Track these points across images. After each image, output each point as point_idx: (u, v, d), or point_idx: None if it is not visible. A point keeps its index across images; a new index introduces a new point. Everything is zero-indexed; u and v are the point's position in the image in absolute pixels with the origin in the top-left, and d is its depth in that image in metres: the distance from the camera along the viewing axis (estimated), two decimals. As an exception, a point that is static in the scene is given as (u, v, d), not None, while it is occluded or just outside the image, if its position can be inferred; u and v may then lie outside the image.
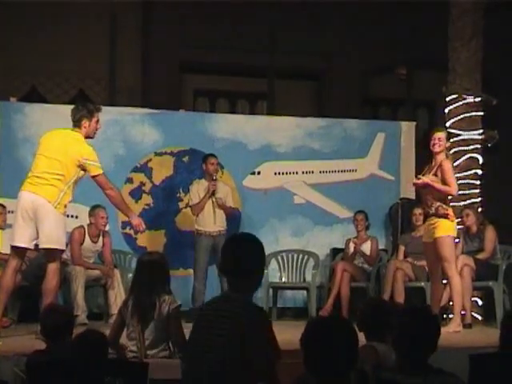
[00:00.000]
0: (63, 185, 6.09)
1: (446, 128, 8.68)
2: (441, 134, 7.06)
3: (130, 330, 4.87)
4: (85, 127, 6.26)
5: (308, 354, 2.95)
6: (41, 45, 10.33)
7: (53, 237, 6.07)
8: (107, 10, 10.54)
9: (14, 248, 6.19)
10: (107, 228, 8.10)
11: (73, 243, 7.85)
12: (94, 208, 7.93)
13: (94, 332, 3.75)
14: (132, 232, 8.76)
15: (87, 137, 6.31)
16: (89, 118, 6.27)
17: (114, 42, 10.48)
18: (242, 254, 3.48)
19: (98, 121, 6.36)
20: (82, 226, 7.98)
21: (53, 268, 6.12)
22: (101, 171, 6.24)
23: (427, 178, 6.89)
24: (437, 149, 6.99)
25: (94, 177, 6.22)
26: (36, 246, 6.39)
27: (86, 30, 10.51)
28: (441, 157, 6.97)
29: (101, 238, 8.01)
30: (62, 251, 6.30)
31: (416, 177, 7.23)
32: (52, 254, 6.15)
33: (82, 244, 7.89)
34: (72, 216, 8.38)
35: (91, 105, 6.48)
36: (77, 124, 6.27)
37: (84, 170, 6.19)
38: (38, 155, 6.25)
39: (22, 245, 6.14)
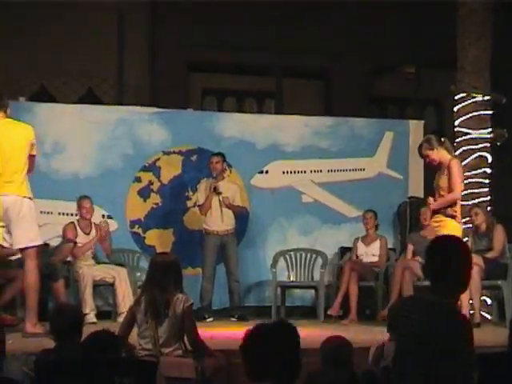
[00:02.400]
0: (25, 174, 6.10)
1: (454, 126, 8.68)
2: (424, 153, 6.96)
3: (142, 328, 4.88)
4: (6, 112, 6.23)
5: (246, 362, 2.88)
6: (49, 44, 10.34)
7: (28, 236, 6.08)
8: (115, 9, 10.55)
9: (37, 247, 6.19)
10: (116, 226, 8.12)
11: (67, 239, 7.91)
12: (79, 199, 8.03)
13: (105, 332, 3.75)
14: (140, 231, 8.78)
15: None
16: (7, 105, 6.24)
17: (122, 40, 10.48)
18: (451, 255, 3.24)
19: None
20: (71, 222, 8.05)
21: (30, 265, 6.10)
22: (35, 153, 6.24)
23: (432, 203, 6.85)
24: (434, 164, 6.96)
25: (31, 155, 6.17)
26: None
27: (95, 30, 10.52)
28: (446, 157, 6.91)
29: (93, 229, 8.04)
30: (37, 246, 6.23)
31: (427, 199, 7.15)
32: (28, 251, 6.13)
33: (76, 238, 7.95)
34: (73, 214, 8.37)
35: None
36: (4, 109, 6.19)
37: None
38: None
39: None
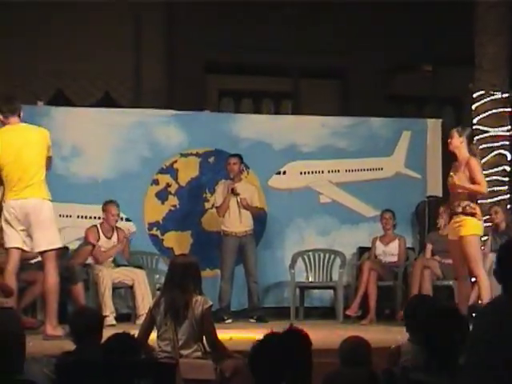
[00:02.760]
0: (43, 175, 6.16)
1: (473, 124, 8.62)
2: (451, 132, 6.95)
3: (162, 330, 4.87)
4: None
5: (254, 373, 2.84)
6: (66, 48, 10.38)
7: (46, 240, 6.12)
8: (131, 10, 10.58)
9: (10, 250, 6.18)
10: (134, 229, 8.14)
11: (89, 242, 7.94)
12: (106, 204, 8.03)
13: (126, 335, 3.76)
14: (158, 233, 8.80)
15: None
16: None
17: (138, 43, 10.52)
18: None
19: None
20: (94, 225, 8.06)
21: (50, 267, 6.14)
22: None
23: (457, 180, 6.79)
24: (450, 147, 6.91)
25: (49, 158, 6.25)
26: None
27: (111, 32, 10.56)
28: (463, 154, 6.86)
29: (115, 233, 8.05)
30: (57, 249, 6.27)
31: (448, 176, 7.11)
32: (48, 254, 6.17)
33: (97, 241, 7.97)
34: (99, 218, 8.42)
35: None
36: (18, 113, 6.21)
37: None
38: (8, 161, 6.11)
39: (17, 246, 6.19)
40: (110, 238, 8.05)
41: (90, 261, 8.00)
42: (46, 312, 6.19)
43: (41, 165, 6.13)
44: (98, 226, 8.06)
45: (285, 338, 2.84)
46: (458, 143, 6.86)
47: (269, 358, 2.78)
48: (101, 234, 8.02)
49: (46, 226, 6.08)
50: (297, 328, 2.89)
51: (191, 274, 4.95)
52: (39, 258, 6.68)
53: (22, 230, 6.13)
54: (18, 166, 6.11)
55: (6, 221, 6.14)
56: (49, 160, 6.25)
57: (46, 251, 6.15)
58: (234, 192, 8.31)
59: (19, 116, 6.22)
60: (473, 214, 6.81)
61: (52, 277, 6.12)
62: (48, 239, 6.10)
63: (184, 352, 4.81)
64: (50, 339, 5.81)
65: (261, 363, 2.79)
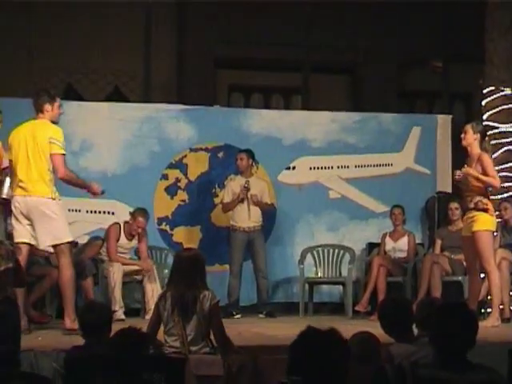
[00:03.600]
0: (47, 173, 6.13)
1: (483, 120, 8.59)
2: (466, 127, 6.95)
3: (169, 325, 4.82)
4: (47, 111, 6.24)
5: (293, 363, 2.84)
6: (76, 43, 10.41)
7: (51, 235, 6.10)
8: (142, 6, 10.59)
9: (17, 245, 6.15)
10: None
11: (109, 240, 7.91)
12: (136, 210, 7.96)
13: (134, 330, 3.76)
14: (168, 228, 8.81)
15: (52, 121, 6.29)
16: (50, 102, 6.26)
17: (148, 38, 10.52)
18: None
19: (60, 105, 6.35)
20: (117, 223, 8.03)
21: (63, 263, 6.13)
22: (61, 151, 6.17)
23: (469, 169, 6.80)
24: (463, 143, 6.91)
25: (52, 154, 6.16)
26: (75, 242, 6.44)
27: (121, 27, 10.57)
28: (475, 150, 6.86)
29: (136, 237, 8.04)
30: (69, 243, 6.26)
31: (454, 171, 7.12)
32: (59, 249, 6.17)
33: (117, 241, 7.94)
34: (109, 212, 8.46)
35: (52, 90, 6.48)
36: (40, 109, 6.24)
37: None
38: (15, 158, 6.20)
39: (24, 240, 6.16)
40: (130, 240, 8.03)
41: (101, 255, 8.01)
42: (63, 306, 6.20)
43: (46, 163, 6.12)
44: (122, 225, 8.00)
45: (326, 337, 2.83)
46: (472, 140, 6.87)
47: (310, 352, 2.77)
48: (122, 233, 7.99)
49: (49, 223, 6.07)
50: (336, 331, 2.89)
51: (198, 268, 4.90)
52: (50, 251, 6.73)
53: (29, 225, 6.14)
54: (23, 162, 6.14)
55: (14, 216, 6.18)
56: (53, 158, 6.16)
57: (58, 246, 6.16)
58: (246, 188, 8.31)
59: (41, 111, 6.24)
60: (485, 210, 6.80)
61: (67, 271, 6.13)
62: (53, 235, 6.10)
63: (193, 348, 4.77)
64: (70, 333, 5.82)
65: (304, 352, 2.78)
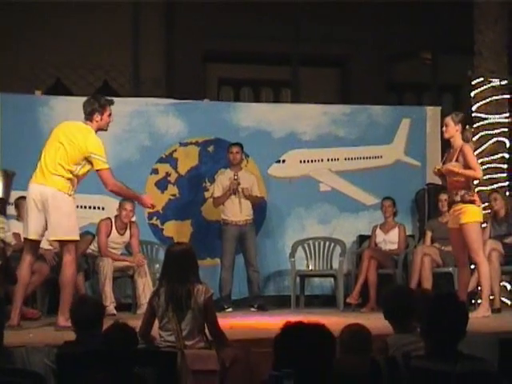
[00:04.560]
0: (69, 173, 6.12)
1: (472, 112, 8.62)
2: (446, 120, 6.95)
3: (164, 321, 4.81)
4: (96, 121, 6.24)
5: (278, 358, 2.83)
6: (65, 37, 10.36)
7: (62, 228, 6.09)
8: (130, 0, 10.55)
9: (26, 241, 6.23)
10: (134, 219, 8.13)
11: (99, 235, 7.89)
12: (121, 200, 7.96)
13: (123, 325, 3.76)
14: (158, 223, 8.80)
15: (99, 129, 6.30)
16: (100, 111, 6.24)
17: (137, 32, 10.49)
18: None
19: (110, 114, 6.32)
20: (108, 218, 8.01)
21: (67, 260, 6.14)
22: (105, 166, 6.20)
23: (449, 166, 6.81)
24: (445, 135, 6.93)
25: (98, 171, 6.20)
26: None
27: (110, 22, 10.53)
28: (458, 141, 6.87)
29: (128, 229, 8.04)
30: (75, 241, 6.28)
31: (436, 166, 7.14)
32: (65, 245, 6.18)
33: (108, 236, 7.92)
34: (99, 208, 8.45)
35: (103, 98, 6.38)
36: (88, 117, 6.26)
37: (91, 164, 6.21)
38: (47, 145, 6.24)
39: (31, 237, 6.17)
40: (122, 235, 8.01)
41: (89, 250, 7.99)
42: (59, 303, 6.19)
43: (69, 167, 6.11)
44: (113, 219, 7.99)
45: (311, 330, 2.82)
46: (454, 131, 6.88)
47: (296, 344, 2.77)
48: (114, 228, 7.97)
49: (63, 217, 6.08)
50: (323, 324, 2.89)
51: (189, 262, 4.88)
52: (44, 247, 6.73)
53: (41, 218, 6.09)
54: (51, 155, 6.13)
55: (27, 209, 6.17)
56: (103, 174, 6.17)
57: (65, 243, 6.15)
58: (236, 181, 8.30)
59: (90, 120, 6.23)
60: (472, 201, 6.82)
61: (69, 269, 6.13)
62: (64, 229, 6.10)
63: (188, 343, 4.76)
64: (62, 330, 5.81)
65: (287, 347, 2.77)
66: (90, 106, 6.26)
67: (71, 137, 6.17)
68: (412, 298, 4.25)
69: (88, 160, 6.16)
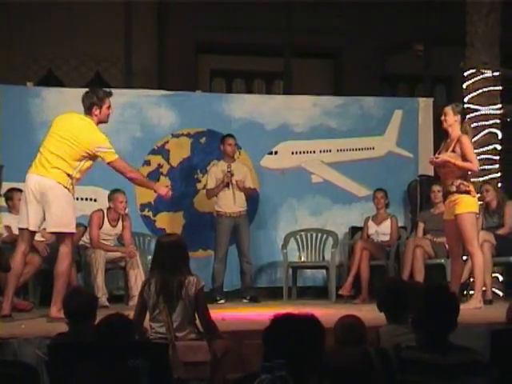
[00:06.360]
0: (71, 169, 6.10)
1: (464, 103, 8.61)
2: (446, 109, 6.95)
3: (155, 312, 4.79)
4: (96, 115, 6.21)
5: (268, 350, 2.81)
6: (56, 29, 10.32)
7: (61, 220, 6.08)
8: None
9: (23, 231, 6.21)
10: (127, 211, 8.11)
11: (91, 227, 7.87)
12: (113, 192, 7.93)
13: (120, 316, 3.75)
14: (150, 214, 8.79)
15: (100, 122, 6.28)
16: (99, 105, 6.21)
17: (129, 23, 10.41)
18: None
19: (109, 106, 6.29)
20: (100, 210, 7.99)
21: (63, 251, 6.13)
22: (116, 157, 6.19)
23: (445, 156, 6.82)
24: (444, 125, 6.93)
25: (109, 163, 6.20)
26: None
27: (101, 13, 10.48)
28: (456, 132, 6.88)
29: (120, 221, 8.02)
30: (72, 234, 6.27)
31: (434, 155, 7.15)
32: (62, 237, 6.17)
33: (100, 227, 7.91)
34: (91, 199, 8.44)
35: (101, 91, 6.34)
36: (88, 112, 6.24)
37: (93, 158, 6.18)
38: (49, 136, 6.22)
39: (30, 228, 6.15)
40: (114, 227, 7.98)
41: (81, 242, 7.98)
42: (53, 294, 6.18)
43: (71, 161, 6.08)
44: (105, 211, 7.95)
45: (304, 322, 2.82)
46: (453, 121, 6.88)
47: (285, 336, 2.76)
48: (106, 220, 7.94)
49: (61, 208, 6.06)
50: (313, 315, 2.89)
51: (180, 253, 4.85)
52: (36, 239, 6.72)
53: (38, 209, 6.07)
54: (53, 148, 6.11)
55: (25, 200, 6.15)
56: (116, 165, 6.17)
57: (62, 235, 6.14)
58: (229, 173, 8.29)
59: (89, 114, 6.21)
60: (467, 192, 6.81)
61: (65, 261, 6.12)
62: (63, 221, 6.08)
63: (179, 334, 4.74)
64: (54, 321, 5.80)
65: (276, 339, 2.77)
66: (89, 100, 6.23)
67: (76, 132, 6.13)
68: (405, 290, 4.26)
69: (95, 155, 6.14)
